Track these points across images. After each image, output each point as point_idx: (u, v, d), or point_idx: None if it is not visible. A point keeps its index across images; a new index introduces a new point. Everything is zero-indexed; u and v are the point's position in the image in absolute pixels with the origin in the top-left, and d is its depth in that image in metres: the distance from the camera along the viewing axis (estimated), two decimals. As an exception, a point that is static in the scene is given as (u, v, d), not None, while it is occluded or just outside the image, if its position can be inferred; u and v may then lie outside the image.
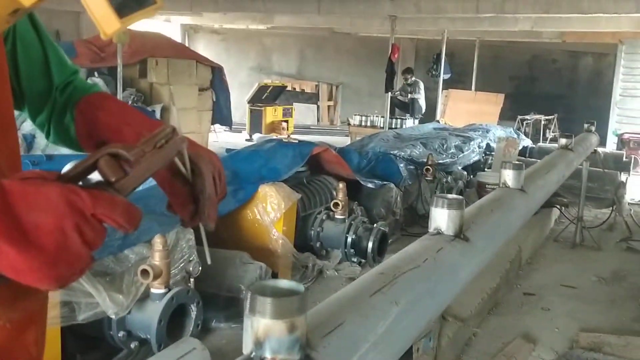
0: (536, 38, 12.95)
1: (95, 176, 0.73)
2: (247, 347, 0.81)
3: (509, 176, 2.21)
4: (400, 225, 4.75)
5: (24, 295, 0.84)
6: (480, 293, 3.44)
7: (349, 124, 11.09)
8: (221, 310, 2.81)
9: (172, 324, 2.33)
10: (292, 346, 0.81)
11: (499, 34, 12.83)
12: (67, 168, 0.73)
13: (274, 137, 6.56)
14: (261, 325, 0.79)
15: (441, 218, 1.48)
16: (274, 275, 3.21)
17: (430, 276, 1.26)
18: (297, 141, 3.99)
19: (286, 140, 4.10)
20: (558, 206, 5.53)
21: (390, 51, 9.84)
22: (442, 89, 12.34)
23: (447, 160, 5.55)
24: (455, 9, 8.78)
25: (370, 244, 3.59)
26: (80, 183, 0.71)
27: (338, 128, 14.61)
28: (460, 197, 1.51)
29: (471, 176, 5.88)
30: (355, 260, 3.74)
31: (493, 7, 8.46)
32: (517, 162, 2.28)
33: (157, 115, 8.12)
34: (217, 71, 9.42)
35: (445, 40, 11.82)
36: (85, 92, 1.09)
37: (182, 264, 2.48)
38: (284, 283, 0.85)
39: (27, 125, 9.32)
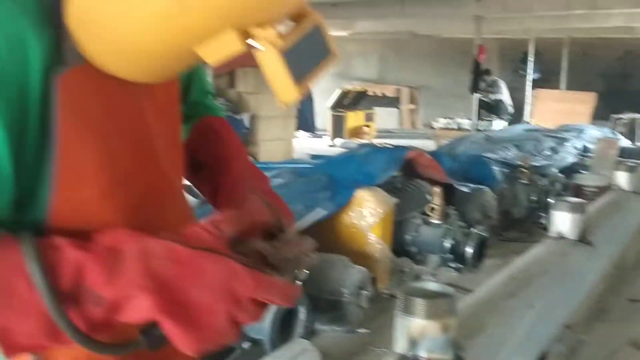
0: (629, 34, 12.36)
1: None
2: (402, 346, 0.84)
3: (623, 178, 2.15)
4: (496, 230, 4.66)
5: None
6: (585, 299, 3.33)
7: (431, 127, 10.98)
8: (323, 313, 2.87)
9: (282, 325, 2.40)
10: (445, 346, 0.84)
11: (588, 31, 12.34)
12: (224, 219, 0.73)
13: (365, 142, 6.60)
14: (416, 325, 0.83)
15: (563, 222, 1.47)
16: (372, 280, 3.24)
17: (562, 280, 1.26)
18: (390, 146, 4.01)
19: (380, 145, 4.12)
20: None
21: (477, 52, 9.67)
22: (531, 89, 11.99)
23: (542, 162, 5.39)
24: (544, 6, 8.54)
25: (468, 249, 3.55)
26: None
27: (421, 131, 14.50)
28: (583, 200, 1.49)
29: (567, 179, 5.68)
30: (453, 265, 3.71)
31: (584, 3, 8.16)
32: (631, 164, 2.21)
33: (246, 123, 8.35)
34: (301, 78, 9.57)
35: (533, 40, 11.49)
36: (209, 112, 1.12)
37: (289, 267, 2.55)
38: (432, 285, 0.89)
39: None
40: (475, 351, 0.92)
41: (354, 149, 3.97)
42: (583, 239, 1.46)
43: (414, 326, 0.84)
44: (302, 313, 2.42)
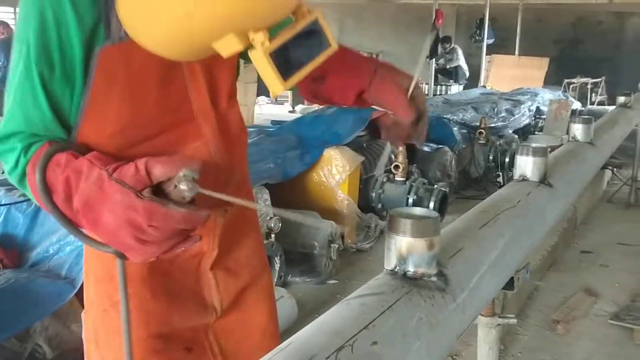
0: (581, 0, 12.65)
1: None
2: (391, 263, 0.94)
3: (578, 130, 2.29)
4: (454, 189, 4.84)
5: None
6: (540, 250, 3.53)
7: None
8: (296, 266, 2.98)
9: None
10: (431, 261, 0.94)
11: (542, -3, 12.57)
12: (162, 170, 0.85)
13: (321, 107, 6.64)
14: (404, 243, 0.92)
15: (527, 165, 1.59)
16: (341, 235, 3.36)
17: (525, 214, 1.38)
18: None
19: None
20: (610, 167, 5.52)
21: (434, 17, 9.78)
22: (486, 55, 12.19)
23: (499, 123, 5.59)
24: (500, -28, 8.66)
25: (431, 205, 3.70)
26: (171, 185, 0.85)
27: (380, 97, 14.58)
28: (545, 145, 1.61)
29: (522, 140, 5.91)
30: (416, 220, 3.86)
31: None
32: (586, 117, 2.35)
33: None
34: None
35: (488, 5, 11.66)
36: None
37: (263, 221, 2.64)
38: (417, 210, 0.98)
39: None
40: (456, 269, 1.02)
41: (322, 110, 4.05)
42: (544, 181, 1.58)
43: (403, 244, 0.93)
44: (277, 264, 2.52)
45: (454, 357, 2.38)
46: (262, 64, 0.83)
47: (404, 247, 0.92)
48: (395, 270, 0.93)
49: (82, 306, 1.89)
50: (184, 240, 0.88)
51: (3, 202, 2.39)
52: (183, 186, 0.85)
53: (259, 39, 0.81)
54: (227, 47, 0.82)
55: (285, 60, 0.85)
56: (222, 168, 1.11)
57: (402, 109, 1.10)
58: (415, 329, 0.86)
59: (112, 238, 0.88)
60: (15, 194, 2.42)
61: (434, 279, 0.94)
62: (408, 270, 0.93)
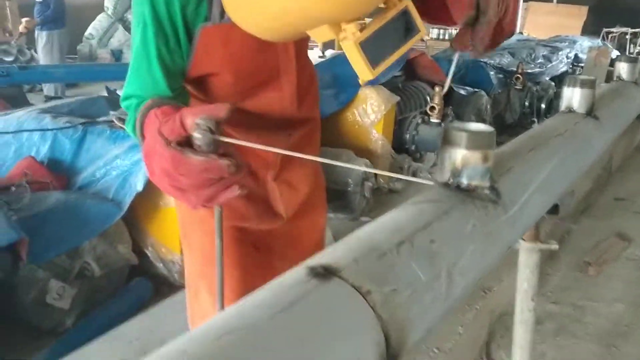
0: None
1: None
2: (445, 176, 0.96)
3: (624, 69, 2.25)
4: (488, 134, 4.80)
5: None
6: (574, 194, 3.52)
7: (421, 40, 10.89)
8: (330, 202, 3.02)
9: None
10: (485, 174, 0.95)
11: (584, -59, 12.08)
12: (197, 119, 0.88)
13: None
14: (459, 155, 0.93)
15: (574, 97, 1.58)
16: (374, 175, 3.38)
17: (572, 142, 1.38)
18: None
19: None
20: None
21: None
22: (523, 1, 11.85)
23: (536, 70, 5.48)
24: None
25: (465, 147, 3.69)
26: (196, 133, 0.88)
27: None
28: (593, 77, 1.60)
29: (559, 87, 5.80)
30: (449, 162, 3.86)
31: None
32: (632, 56, 2.31)
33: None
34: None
35: (528, -51, 11.26)
36: None
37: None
38: (472, 125, 0.99)
39: (114, 42, 9.67)
40: (507, 185, 1.03)
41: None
42: (591, 113, 1.57)
43: (458, 156, 0.94)
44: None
45: (486, 291, 2.42)
46: (353, 53, 0.87)
47: (459, 159, 0.93)
48: (449, 182, 0.95)
49: (128, 228, 1.97)
50: (223, 190, 0.90)
51: (50, 127, 2.45)
52: (196, 134, 0.88)
53: (350, 29, 0.86)
54: (321, 35, 0.88)
55: (375, 48, 0.89)
56: (293, 116, 1.27)
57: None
58: (470, 234, 0.88)
59: (160, 186, 0.94)
60: (61, 120, 2.48)
61: (487, 191, 0.96)
62: (462, 182, 0.94)
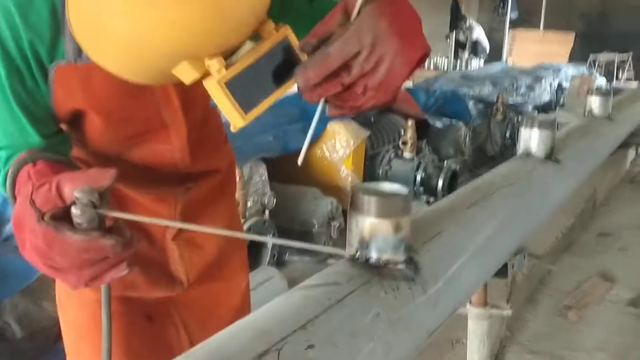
0: (611, -28, 12.19)
1: None
2: (352, 247, 0.79)
3: (595, 103, 2.11)
4: (468, 166, 4.66)
5: None
6: (554, 232, 3.37)
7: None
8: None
9: (249, 254, 2.38)
10: (398, 246, 0.79)
11: (569, -31, 12.15)
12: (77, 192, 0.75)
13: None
14: (367, 223, 0.77)
15: (532, 139, 1.43)
16: (343, 212, 3.23)
17: (525, 194, 1.22)
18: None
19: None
20: (634, 146, 5.29)
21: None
22: (509, 29, 11.87)
23: (518, 99, 5.38)
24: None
25: (440, 182, 3.55)
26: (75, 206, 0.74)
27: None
28: (552, 117, 1.45)
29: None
30: (424, 198, 3.71)
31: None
32: (604, 89, 2.17)
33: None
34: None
35: (512, -22, 11.31)
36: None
37: (257, 197, 2.52)
38: (386, 186, 0.83)
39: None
40: (430, 255, 0.87)
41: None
42: (551, 156, 1.42)
43: (365, 224, 0.78)
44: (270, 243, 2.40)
45: (455, 343, 2.24)
46: (217, 95, 0.73)
47: (366, 228, 0.78)
48: (356, 256, 0.79)
49: (54, 282, 1.83)
50: (108, 270, 0.77)
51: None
52: (75, 210, 0.73)
53: (214, 66, 0.72)
54: (185, 74, 0.73)
55: (247, 88, 0.75)
56: (187, 169, 1.12)
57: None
58: (369, 326, 0.71)
59: (32, 263, 0.80)
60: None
61: (401, 266, 0.80)
62: (370, 257, 0.78)
